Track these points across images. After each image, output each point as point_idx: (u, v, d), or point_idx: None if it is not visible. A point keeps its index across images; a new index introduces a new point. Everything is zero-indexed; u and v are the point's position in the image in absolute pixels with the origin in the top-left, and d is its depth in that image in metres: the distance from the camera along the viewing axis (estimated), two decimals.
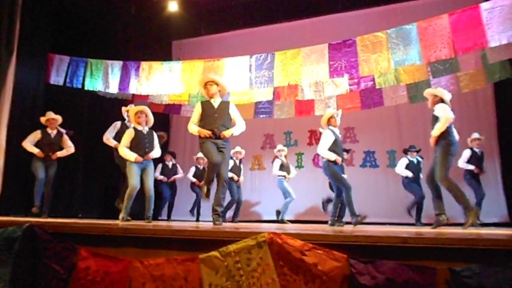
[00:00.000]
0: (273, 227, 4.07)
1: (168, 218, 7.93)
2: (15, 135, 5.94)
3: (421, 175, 6.64)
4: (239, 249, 2.39)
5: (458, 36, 4.97)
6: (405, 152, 6.96)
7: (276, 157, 7.59)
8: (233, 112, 4.50)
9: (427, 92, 4.74)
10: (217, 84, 4.51)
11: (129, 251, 2.72)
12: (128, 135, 5.00)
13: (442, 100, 4.51)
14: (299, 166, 8.85)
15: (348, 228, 4.40)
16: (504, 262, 2.02)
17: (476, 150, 6.62)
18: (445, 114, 4.30)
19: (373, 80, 6.64)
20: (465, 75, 6.57)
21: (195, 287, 2.44)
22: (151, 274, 2.54)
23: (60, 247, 2.77)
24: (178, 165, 8.19)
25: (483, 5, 4.87)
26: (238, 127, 4.49)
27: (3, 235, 2.84)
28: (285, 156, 7.67)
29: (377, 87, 6.75)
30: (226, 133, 4.33)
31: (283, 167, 7.49)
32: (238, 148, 7.73)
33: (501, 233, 3.08)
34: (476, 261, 2.06)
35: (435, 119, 4.41)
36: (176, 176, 8.00)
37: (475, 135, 6.68)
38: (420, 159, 6.87)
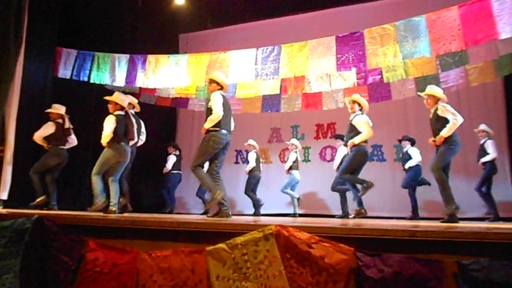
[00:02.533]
0: (279, 220, 4.07)
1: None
2: (24, 128, 5.97)
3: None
4: (246, 241, 2.40)
5: (468, 28, 4.88)
6: (410, 142, 7.23)
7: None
8: (212, 103, 4.28)
9: (427, 93, 4.83)
10: (216, 82, 4.48)
11: (136, 243, 2.75)
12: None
13: (438, 100, 4.69)
14: (306, 160, 8.82)
15: (354, 221, 4.40)
16: None
17: (481, 141, 6.61)
18: (456, 116, 4.46)
19: (381, 74, 6.57)
20: (474, 68, 6.47)
21: (202, 279, 2.46)
22: (158, 266, 2.56)
23: (68, 239, 2.80)
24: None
25: None
26: (210, 117, 4.22)
27: (13, 226, 2.87)
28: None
29: (385, 81, 6.69)
30: (202, 130, 4.31)
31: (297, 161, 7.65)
32: (251, 141, 7.87)
33: (510, 227, 3.06)
34: (484, 254, 2.05)
35: (440, 119, 4.57)
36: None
37: (481, 126, 6.68)
38: None
